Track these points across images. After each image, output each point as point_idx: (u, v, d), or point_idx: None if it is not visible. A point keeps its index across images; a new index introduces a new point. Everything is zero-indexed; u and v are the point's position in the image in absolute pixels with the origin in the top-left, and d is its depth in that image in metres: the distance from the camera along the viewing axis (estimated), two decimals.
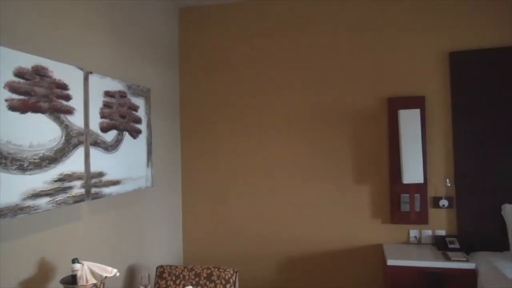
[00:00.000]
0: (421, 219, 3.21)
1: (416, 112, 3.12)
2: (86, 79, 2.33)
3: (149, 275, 2.07)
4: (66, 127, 2.13)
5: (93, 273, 1.90)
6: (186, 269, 2.65)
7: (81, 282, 1.86)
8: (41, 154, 1.95)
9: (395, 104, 3.28)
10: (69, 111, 2.16)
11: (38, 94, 1.94)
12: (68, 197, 2.12)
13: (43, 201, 1.94)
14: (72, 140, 2.17)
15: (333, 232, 3.42)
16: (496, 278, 2.53)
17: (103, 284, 1.92)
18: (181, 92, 3.75)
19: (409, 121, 3.11)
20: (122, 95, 2.70)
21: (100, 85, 2.47)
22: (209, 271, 2.61)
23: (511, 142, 3.08)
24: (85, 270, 1.89)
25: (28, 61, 1.89)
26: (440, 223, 3.22)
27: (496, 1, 3.16)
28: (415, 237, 3.25)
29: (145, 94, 3.02)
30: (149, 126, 3.05)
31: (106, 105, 2.52)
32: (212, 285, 2.57)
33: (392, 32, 3.34)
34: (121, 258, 2.72)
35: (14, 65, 1.81)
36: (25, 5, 1.98)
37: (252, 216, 3.58)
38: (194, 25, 3.75)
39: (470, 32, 3.20)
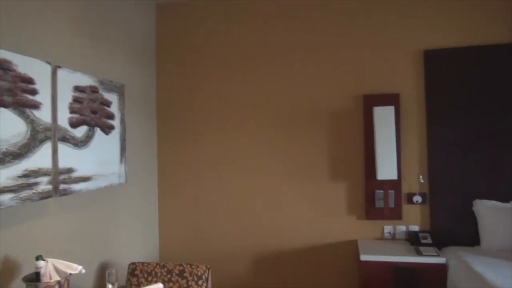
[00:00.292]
0: (395, 215, 3.24)
1: (391, 109, 3.15)
2: (54, 74, 2.28)
3: (116, 272, 2.05)
4: (32, 122, 2.09)
5: (57, 270, 1.87)
6: (158, 266, 2.63)
7: (45, 279, 1.82)
8: (4, 150, 1.91)
9: (371, 101, 3.30)
10: (35, 105, 2.12)
11: (1, 88, 1.90)
12: (34, 193, 2.08)
13: (6, 198, 1.90)
14: (38, 136, 2.13)
15: (309, 228, 3.43)
16: (465, 272, 2.58)
17: (68, 281, 1.89)
18: (158, 88, 3.72)
19: (384, 118, 3.14)
20: (93, 90, 2.66)
21: (70, 79, 2.43)
22: (181, 268, 2.59)
23: (484, 140, 3.13)
24: (49, 267, 1.86)
25: None
26: (413, 219, 3.26)
27: (470, 0, 3.20)
28: (389, 232, 3.29)
29: (119, 89, 2.98)
30: (122, 122, 3.01)
31: (76, 100, 2.48)
32: (184, 281, 2.55)
33: (368, 30, 3.36)
34: (92, 255, 2.69)
35: None
36: None
37: (228, 213, 3.58)
38: (171, 21, 3.71)
39: (445, 31, 3.24)
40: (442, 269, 2.79)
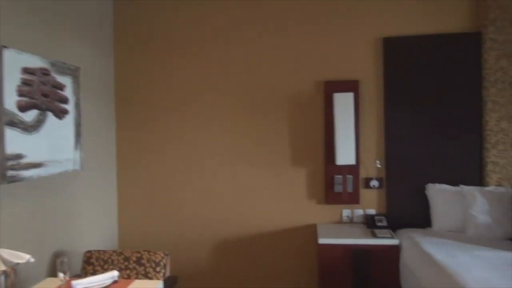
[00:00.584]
0: (353, 199, 3.33)
1: (350, 95, 3.20)
2: None
3: (67, 261, 1.99)
4: None
5: (3, 260, 1.80)
6: (115, 254, 2.59)
7: None
8: None
9: (331, 87, 3.34)
10: None
11: None
12: None
13: None
14: None
15: (270, 213, 3.47)
16: (416, 252, 2.70)
17: (14, 271, 1.82)
18: (116, 73, 3.60)
19: (343, 105, 3.19)
20: (44, 72, 2.54)
21: (18, 61, 2.31)
22: (139, 255, 2.56)
23: (437, 127, 3.25)
24: None
25: None
26: (370, 203, 3.36)
27: None
28: (348, 216, 3.37)
29: (73, 72, 2.86)
30: (77, 106, 2.90)
31: (24, 82, 2.36)
32: (142, 268, 2.53)
33: (329, 18, 3.38)
34: (46, 244, 2.60)
35: None
36: None
37: (189, 199, 3.55)
38: (129, 5, 3.58)
39: (404, 19, 3.30)
40: (395, 250, 2.90)
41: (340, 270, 2.94)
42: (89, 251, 2.62)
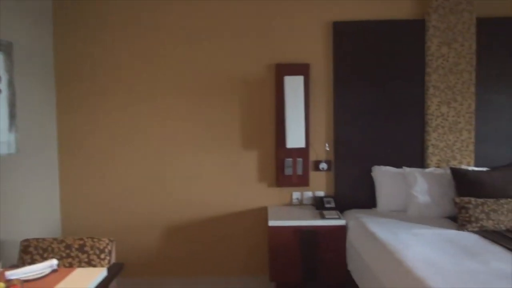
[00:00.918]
0: (303, 181, 3.38)
1: (300, 79, 3.21)
2: None
3: None
4: None
5: None
6: (55, 242, 2.45)
7: None
8: None
9: (282, 70, 3.33)
10: None
11: None
12: None
13: None
14: None
15: (220, 197, 3.44)
16: (361, 231, 2.79)
17: None
18: (56, 50, 3.36)
19: (294, 88, 3.20)
20: None
21: None
22: (81, 242, 2.44)
23: (383, 111, 3.35)
24: None
25: None
26: (319, 185, 3.43)
27: None
28: (297, 198, 3.43)
29: (5, 48, 2.64)
30: (11, 85, 2.69)
31: None
32: (85, 256, 2.42)
33: (281, 0, 3.36)
34: None
35: None
36: None
37: (137, 184, 3.43)
38: None
39: (354, 4, 3.34)
40: (342, 230, 2.98)
41: (290, 251, 2.98)
42: (27, 240, 2.46)
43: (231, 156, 3.42)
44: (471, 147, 3.30)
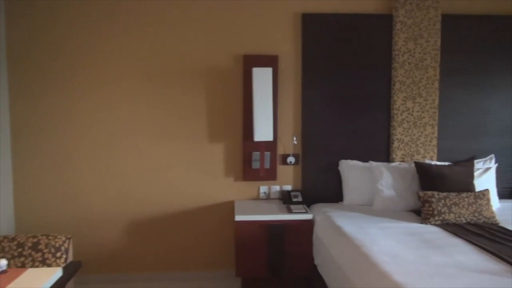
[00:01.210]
0: (271, 175, 3.34)
1: (269, 70, 3.14)
2: None
3: None
4: None
5: None
6: (6, 240, 2.28)
7: None
8: None
9: (250, 62, 3.25)
10: None
11: None
12: None
13: None
14: None
15: (185, 191, 3.35)
16: (328, 226, 2.79)
17: None
18: (8, 29, 3.11)
19: (262, 80, 3.13)
20: None
21: None
22: (35, 240, 2.29)
23: (350, 104, 3.35)
24: None
25: None
26: (287, 179, 3.40)
27: None
28: (265, 193, 3.38)
29: None
30: None
31: None
32: (39, 255, 2.27)
33: None
34: None
35: None
36: None
37: (96, 177, 3.27)
38: None
39: None
40: (309, 224, 2.97)
41: (256, 246, 2.94)
42: None
43: (196, 149, 3.33)
44: (434, 142, 3.37)
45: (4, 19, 3.10)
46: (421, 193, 2.84)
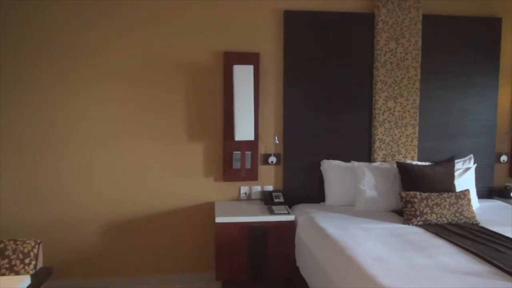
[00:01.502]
0: (252, 176, 3.26)
1: (250, 68, 3.06)
2: None
3: None
4: None
5: None
6: None
7: None
8: None
9: (231, 59, 3.16)
10: None
11: None
12: None
13: None
14: None
15: (164, 192, 3.23)
16: (311, 227, 2.74)
17: None
18: None
19: (243, 77, 3.04)
20: None
21: None
22: (1, 246, 2.13)
23: (332, 104, 3.31)
24: None
25: None
26: (268, 179, 3.34)
27: None
28: (245, 193, 3.31)
29: None
30: None
31: None
32: (6, 261, 2.12)
33: None
34: None
35: None
36: None
37: (69, 177, 3.11)
38: None
39: None
40: (291, 225, 2.91)
41: (237, 248, 2.87)
42: None
43: (174, 148, 3.22)
44: (415, 142, 3.38)
45: None
46: (403, 194, 2.82)
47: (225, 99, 3.20)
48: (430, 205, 2.72)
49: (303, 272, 2.77)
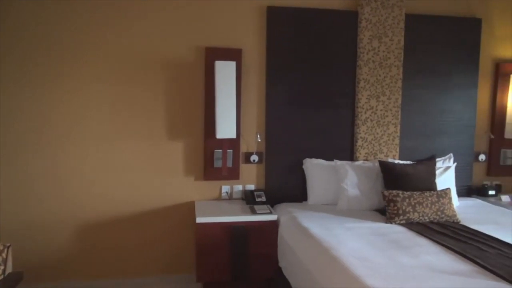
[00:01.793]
0: (233, 175, 3.19)
1: (232, 64, 2.99)
2: None
3: None
4: None
5: None
6: None
7: None
8: None
9: (213, 55, 3.09)
10: None
11: None
12: None
13: None
14: None
15: (143, 191, 3.13)
16: (294, 227, 2.70)
17: None
18: None
19: (225, 74, 2.97)
20: None
21: None
22: None
23: (315, 102, 3.28)
24: None
25: None
26: (250, 178, 3.28)
27: None
28: (227, 192, 3.24)
29: None
30: None
31: None
32: None
33: None
34: None
35: None
36: None
37: (42, 176, 2.96)
38: None
39: None
40: (273, 225, 2.87)
41: (218, 248, 2.80)
42: None
43: (153, 147, 3.11)
44: (397, 141, 3.38)
45: None
46: (386, 193, 2.81)
47: (207, 96, 3.12)
48: (413, 203, 2.72)
49: (285, 272, 2.73)
